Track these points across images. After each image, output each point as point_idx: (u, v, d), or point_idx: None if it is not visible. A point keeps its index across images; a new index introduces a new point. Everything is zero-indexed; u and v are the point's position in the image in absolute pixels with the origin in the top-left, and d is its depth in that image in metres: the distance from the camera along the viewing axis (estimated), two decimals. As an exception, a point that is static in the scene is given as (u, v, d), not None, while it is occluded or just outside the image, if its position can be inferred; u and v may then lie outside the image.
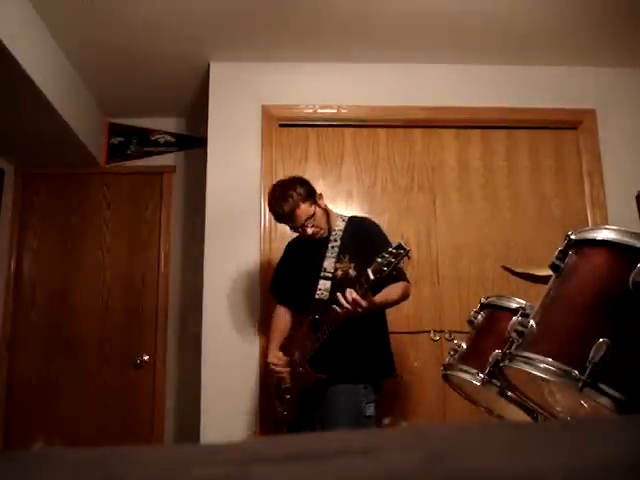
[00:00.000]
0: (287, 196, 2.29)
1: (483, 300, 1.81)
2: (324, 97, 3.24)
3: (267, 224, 3.08)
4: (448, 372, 1.82)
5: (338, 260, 2.32)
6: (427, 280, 3.09)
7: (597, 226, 1.26)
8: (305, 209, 2.30)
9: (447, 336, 2.98)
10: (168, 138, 3.92)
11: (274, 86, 3.25)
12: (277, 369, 2.39)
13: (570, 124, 3.29)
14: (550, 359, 1.08)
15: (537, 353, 1.11)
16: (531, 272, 1.79)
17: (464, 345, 1.79)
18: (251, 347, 2.98)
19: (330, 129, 3.27)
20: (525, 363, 1.13)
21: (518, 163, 3.27)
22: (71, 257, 3.74)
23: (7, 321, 3.62)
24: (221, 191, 3.13)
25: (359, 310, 2.01)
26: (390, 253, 1.89)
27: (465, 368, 1.72)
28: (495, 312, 1.74)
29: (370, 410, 2.22)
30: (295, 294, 2.51)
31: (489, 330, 1.74)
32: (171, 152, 3.92)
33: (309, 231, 2.33)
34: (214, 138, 3.19)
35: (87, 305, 3.67)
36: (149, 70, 3.30)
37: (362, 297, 1.98)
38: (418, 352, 3.00)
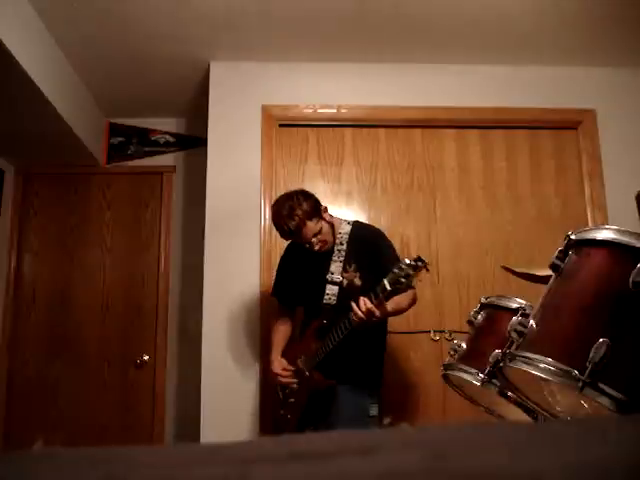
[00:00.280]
0: (293, 215, 2.20)
1: (483, 300, 1.81)
2: (324, 97, 3.24)
3: (267, 224, 3.07)
4: (448, 372, 1.82)
5: (344, 269, 2.31)
6: (427, 280, 3.08)
7: (597, 226, 1.27)
8: (311, 227, 2.24)
9: (447, 336, 2.98)
10: (168, 138, 3.92)
11: (274, 86, 3.25)
12: (284, 380, 2.38)
13: (570, 124, 3.29)
14: (550, 359, 1.08)
15: (537, 353, 1.12)
16: (531, 272, 1.79)
17: (464, 345, 1.80)
18: (251, 347, 2.99)
19: (330, 129, 3.27)
20: (525, 363, 1.13)
21: (518, 163, 3.27)
22: (71, 257, 3.74)
23: (7, 321, 3.62)
24: (221, 191, 3.13)
25: (373, 319, 2.01)
26: (409, 265, 1.85)
27: (465, 368, 1.72)
28: (495, 312, 1.74)
29: (374, 410, 2.26)
30: (299, 297, 2.49)
31: (489, 330, 1.75)
32: (171, 152, 3.92)
33: (316, 247, 2.29)
34: (214, 138, 3.19)
35: (87, 305, 3.67)
36: (149, 70, 3.30)
37: (376, 306, 1.98)
38: (418, 352, 3.00)
